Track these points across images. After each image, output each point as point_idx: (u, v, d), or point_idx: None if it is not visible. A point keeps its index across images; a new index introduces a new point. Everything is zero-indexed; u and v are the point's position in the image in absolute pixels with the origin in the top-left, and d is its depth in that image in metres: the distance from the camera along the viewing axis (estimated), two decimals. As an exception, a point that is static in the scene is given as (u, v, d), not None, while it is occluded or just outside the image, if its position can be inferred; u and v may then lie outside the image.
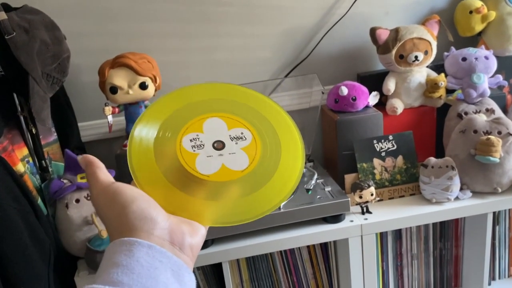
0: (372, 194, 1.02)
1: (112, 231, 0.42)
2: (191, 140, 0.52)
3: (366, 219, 1.01)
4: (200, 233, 0.45)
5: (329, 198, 1.00)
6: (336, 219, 1.01)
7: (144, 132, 0.53)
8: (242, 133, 0.53)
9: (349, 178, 1.08)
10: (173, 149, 0.51)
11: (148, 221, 0.41)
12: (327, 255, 1.11)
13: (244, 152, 0.52)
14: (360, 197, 1.01)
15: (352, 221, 1.01)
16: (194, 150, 0.51)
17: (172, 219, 0.44)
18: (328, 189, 1.04)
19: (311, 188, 1.02)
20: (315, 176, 1.06)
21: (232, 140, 0.52)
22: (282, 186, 0.52)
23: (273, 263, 1.11)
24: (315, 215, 0.99)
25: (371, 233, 1.01)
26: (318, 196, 1.01)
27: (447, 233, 1.16)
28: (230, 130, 0.54)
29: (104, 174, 0.46)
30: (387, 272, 1.15)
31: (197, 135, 0.52)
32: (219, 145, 0.52)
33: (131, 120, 1.03)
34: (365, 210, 1.03)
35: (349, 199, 1.00)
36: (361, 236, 1.00)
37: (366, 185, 1.01)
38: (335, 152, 1.13)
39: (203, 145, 0.51)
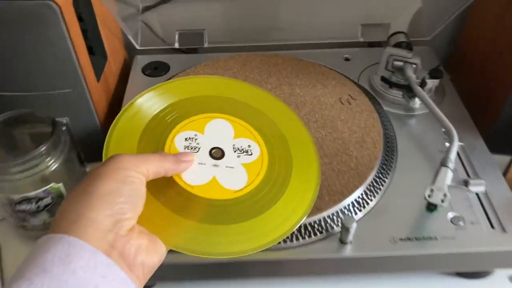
0: None
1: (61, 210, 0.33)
2: (186, 139, 0.44)
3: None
4: (159, 252, 0.36)
5: (491, 234, 0.52)
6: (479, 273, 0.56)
7: (147, 105, 0.46)
8: (249, 146, 0.46)
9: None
10: (162, 143, 0.43)
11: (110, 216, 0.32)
12: None
13: (245, 169, 0.44)
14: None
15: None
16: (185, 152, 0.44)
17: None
18: (486, 203, 0.56)
19: (443, 199, 0.50)
20: (450, 164, 0.53)
21: (234, 151, 0.45)
22: (284, 220, 0.42)
23: None
24: (450, 267, 0.55)
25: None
26: (459, 224, 0.52)
27: None
28: (236, 139, 0.46)
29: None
30: None
31: (196, 135, 0.45)
32: (217, 153, 0.44)
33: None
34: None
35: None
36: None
37: None
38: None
39: (198, 149, 0.44)
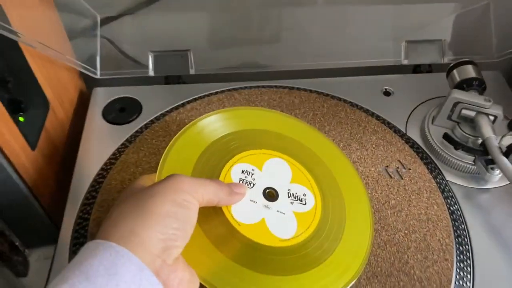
0: None
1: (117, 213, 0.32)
2: (243, 172, 0.43)
3: None
4: (194, 285, 0.34)
5: None
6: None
7: (211, 128, 0.45)
8: (304, 195, 0.43)
9: None
10: (219, 170, 0.42)
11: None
12: None
13: (295, 219, 0.41)
14: None
15: None
16: None
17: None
18: None
19: None
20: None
21: (289, 197, 0.42)
22: (332, 279, 0.39)
23: None
24: None
25: None
26: None
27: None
28: (293, 184, 0.44)
29: None
30: None
31: (253, 170, 0.43)
32: (271, 194, 0.42)
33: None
34: None
35: None
36: None
37: None
38: None
39: (253, 185, 0.42)
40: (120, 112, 0.57)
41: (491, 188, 0.51)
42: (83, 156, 0.53)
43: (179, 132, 0.44)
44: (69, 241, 0.46)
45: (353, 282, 0.40)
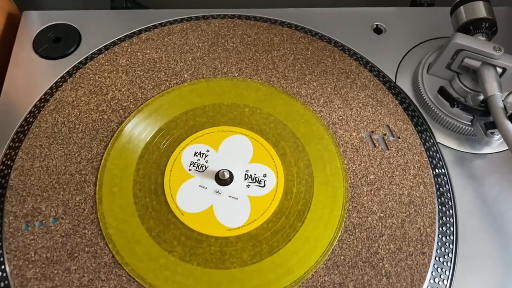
0: None
1: None
2: (195, 154, 0.40)
3: None
4: None
5: None
6: None
7: (140, 128, 0.41)
8: (264, 175, 0.39)
9: None
10: (165, 159, 0.39)
11: None
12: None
13: (249, 204, 0.38)
14: None
15: None
16: (189, 170, 0.39)
17: None
18: None
19: None
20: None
21: (245, 179, 0.39)
22: (283, 273, 0.35)
23: None
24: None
25: None
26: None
27: None
28: (252, 164, 0.40)
29: None
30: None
31: (208, 151, 0.40)
32: (224, 176, 0.38)
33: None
34: None
35: None
36: None
37: None
38: None
39: (205, 168, 0.39)
40: (54, 42, 0.47)
41: (487, 153, 0.43)
42: (10, 92, 0.45)
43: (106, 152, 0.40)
44: (-14, 191, 0.39)
45: (310, 275, 0.35)
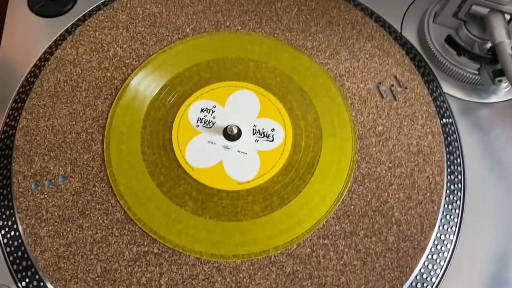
0: None
1: None
2: (202, 110, 0.39)
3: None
4: None
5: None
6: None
7: (144, 85, 0.40)
8: (273, 130, 0.39)
9: None
10: (172, 116, 0.39)
11: None
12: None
13: (259, 158, 0.38)
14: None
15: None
16: (197, 126, 0.39)
17: None
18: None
19: None
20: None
21: (253, 134, 0.39)
22: (295, 223, 0.36)
23: None
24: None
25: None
26: None
27: None
28: (260, 119, 0.39)
29: None
30: None
31: (214, 107, 0.39)
32: (232, 132, 0.38)
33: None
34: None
35: None
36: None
37: None
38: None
39: (213, 124, 0.39)
40: (50, 0, 0.46)
41: (493, 102, 0.43)
42: (8, 52, 0.44)
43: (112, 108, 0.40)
44: (-8, 152, 0.39)
45: (321, 224, 0.35)
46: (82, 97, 0.40)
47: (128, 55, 0.42)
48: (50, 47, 0.43)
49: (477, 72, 0.43)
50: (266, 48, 0.42)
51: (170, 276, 0.34)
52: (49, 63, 0.41)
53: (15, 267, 0.35)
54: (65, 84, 0.40)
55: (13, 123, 0.39)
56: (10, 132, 0.39)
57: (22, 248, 0.35)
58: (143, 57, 0.42)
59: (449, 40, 0.43)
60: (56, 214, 0.36)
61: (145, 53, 0.42)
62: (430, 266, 0.35)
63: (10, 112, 0.40)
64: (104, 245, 0.35)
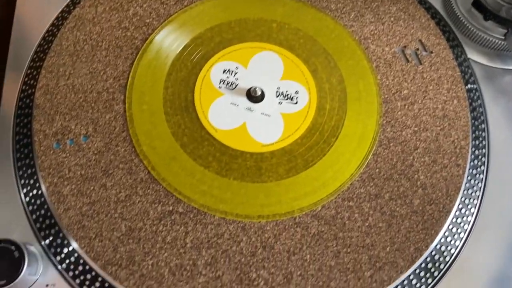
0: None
1: None
2: (224, 71, 0.39)
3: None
4: None
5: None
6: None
7: (165, 45, 0.40)
8: (296, 92, 0.38)
9: None
10: (194, 76, 0.38)
11: None
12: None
13: (283, 121, 0.37)
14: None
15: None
16: (219, 87, 0.38)
17: None
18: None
19: None
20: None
21: (277, 96, 0.38)
22: (319, 185, 0.35)
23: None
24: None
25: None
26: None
27: None
28: (284, 81, 0.38)
29: None
30: None
31: (237, 68, 0.39)
32: (256, 94, 0.37)
33: None
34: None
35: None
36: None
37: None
38: None
39: (236, 85, 0.38)
40: None
41: None
42: (23, 9, 0.43)
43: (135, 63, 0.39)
44: (12, 112, 0.38)
45: (346, 187, 0.35)
46: (102, 57, 0.39)
47: (148, 15, 0.41)
48: (67, 5, 0.42)
49: (503, 37, 0.42)
50: (289, 9, 0.41)
51: (195, 235, 0.34)
52: (68, 21, 0.40)
53: (38, 225, 0.35)
54: (85, 43, 0.40)
55: (32, 82, 0.39)
56: (30, 91, 0.38)
57: (45, 207, 0.35)
58: (164, 16, 0.41)
59: (477, 4, 0.42)
60: (79, 173, 0.35)
61: (165, 12, 0.41)
62: (454, 230, 0.35)
63: (29, 71, 0.39)
64: (128, 204, 0.34)
